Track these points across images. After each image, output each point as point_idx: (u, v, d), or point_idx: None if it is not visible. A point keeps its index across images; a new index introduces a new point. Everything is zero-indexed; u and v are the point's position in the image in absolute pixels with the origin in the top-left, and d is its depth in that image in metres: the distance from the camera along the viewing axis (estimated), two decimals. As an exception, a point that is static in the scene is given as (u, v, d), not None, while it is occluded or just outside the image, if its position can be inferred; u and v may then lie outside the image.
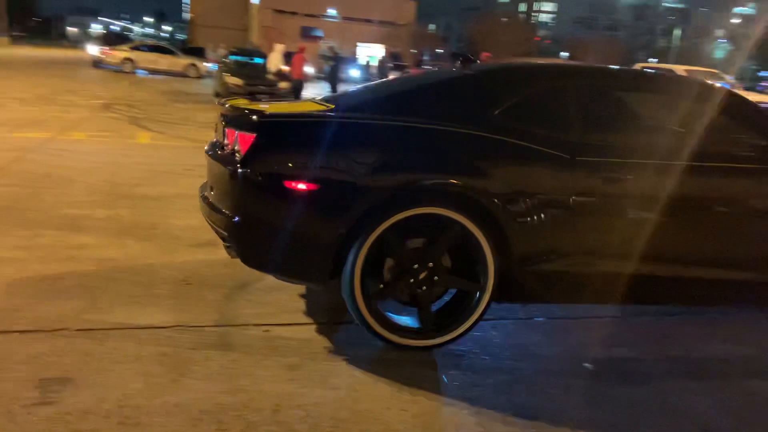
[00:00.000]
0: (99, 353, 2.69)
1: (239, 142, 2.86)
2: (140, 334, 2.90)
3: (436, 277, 2.90)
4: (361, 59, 45.31)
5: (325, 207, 2.77)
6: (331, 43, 27.09)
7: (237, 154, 2.85)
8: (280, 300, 3.45)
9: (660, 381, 2.91)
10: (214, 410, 2.33)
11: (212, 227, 3.13)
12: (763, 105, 4.33)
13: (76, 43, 60.13)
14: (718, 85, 3.83)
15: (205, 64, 27.39)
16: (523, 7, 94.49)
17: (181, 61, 27.10)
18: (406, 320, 3.00)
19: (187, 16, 59.40)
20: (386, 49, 44.43)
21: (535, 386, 2.75)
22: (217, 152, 3.14)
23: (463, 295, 3.00)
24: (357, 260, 2.78)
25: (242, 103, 3.45)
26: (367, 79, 37.28)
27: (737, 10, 68.84)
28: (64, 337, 2.81)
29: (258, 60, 17.52)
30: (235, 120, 3.05)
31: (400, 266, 2.88)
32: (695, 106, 3.26)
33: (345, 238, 2.76)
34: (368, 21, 49.53)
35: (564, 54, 56.15)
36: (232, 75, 15.78)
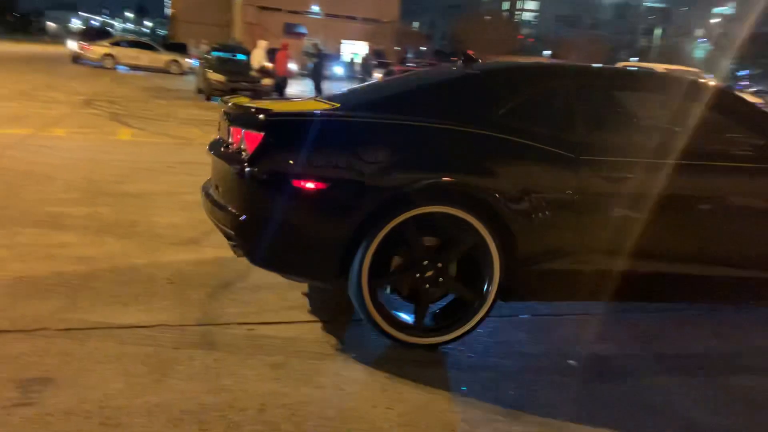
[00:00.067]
0: (80, 353, 2.64)
1: (246, 140, 2.85)
2: (122, 334, 2.86)
3: (440, 279, 2.90)
4: (345, 56, 45.24)
5: (333, 205, 2.78)
6: (315, 40, 26.99)
7: (243, 153, 2.84)
8: (265, 299, 3.43)
9: (644, 377, 2.93)
10: (196, 410, 2.30)
11: (217, 225, 3.12)
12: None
13: (56, 38, 59.31)
14: (721, 85, 3.87)
15: (187, 60, 27.17)
16: (506, 5, 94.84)
17: (162, 57, 26.85)
18: (413, 318, 3.00)
19: (168, 11, 58.85)
20: (370, 46, 44.39)
21: (520, 384, 2.75)
22: (222, 150, 3.14)
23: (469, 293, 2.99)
24: (365, 258, 2.78)
25: (246, 101, 3.45)
26: (351, 77, 37.24)
27: (717, 10, 69.67)
28: (44, 337, 2.76)
29: (241, 56, 17.42)
30: (240, 118, 3.05)
31: (408, 260, 2.88)
32: (697, 106, 3.30)
33: (353, 236, 2.75)
34: (352, 18, 49.35)
35: (547, 52, 56.45)
36: (215, 71, 15.66)
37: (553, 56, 47.58)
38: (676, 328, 3.59)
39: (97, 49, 25.72)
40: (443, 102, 3.14)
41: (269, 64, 16.30)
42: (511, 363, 2.96)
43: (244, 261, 3.94)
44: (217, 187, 3.17)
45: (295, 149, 2.79)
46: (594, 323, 3.54)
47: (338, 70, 38.54)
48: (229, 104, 3.31)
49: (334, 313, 3.33)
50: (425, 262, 2.87)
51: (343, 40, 48.97)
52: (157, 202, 5.32)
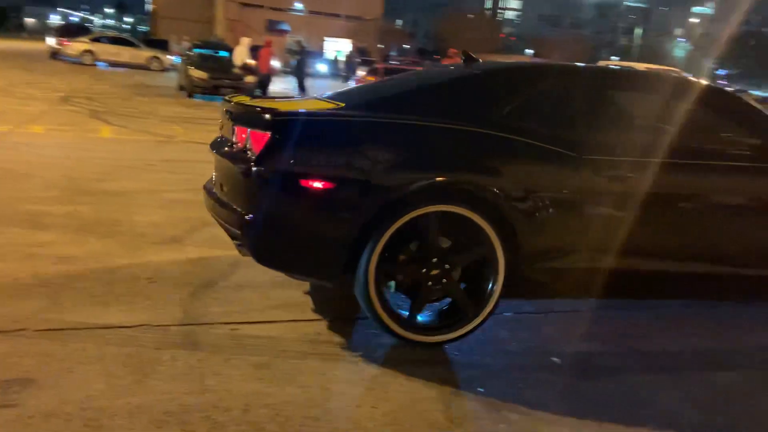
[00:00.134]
0: (61, 354, 2.60)
1: (252, 140, 2.85)
2: (103, 334, 2.82)
3: (444, 280, 2.91)
4: (328, 54, 45.11)
5: (340, 205, 2.79)
6: (298, 37, 26.89)
7: (249, 152, 2.84)
8: (248, 298, 3.41)
9: (627, 374, 2.96)
10: (179, 411, 2.28)
11: (221, 224, 3.12)
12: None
13: (35, 34, 58.41)
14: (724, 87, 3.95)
15: (168, 56, 26.90)
16: (489, 3, 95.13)
17: (143, 54, 26.55)
18: (418, 317, 3.00)
19: (149, 7, 58.23)
20: (354, 44, 44.30)
21: (505, 382, 2.76)
22: (227, 150, 3.14)
23: (474, 291, 3.01)
24: (372, 257, 2.79)
25: (248, 100, 3.45)
26: (335, 74, 37.15)
27: (696, 9, 70.55)
28: (24, 338, 2.72)
29: (223, 53, 17.29)
30: (245, 118, 3.05)
31: (415, 256, 2.90)
32: (698, 106, 3.36)
33: (360, 235, 2.76)
34: (335, 15, 49.26)
35: (529, 51, 56.75)
36: (197, 68, 15.54)
37: (535, 55, 47.85)
38: (660, 326, 3.64)
39: (77, 46, 25.34)
40: (447, 101, 3.17)
41: (252, 62, 16.20)
42: (495, 361, 2.98)
43: (226, 260, 3.94)
44: (221, 186, 3.17)
45: (303, 149, 2.81)
46: (577, 321, 3.56)
47: (322, 67, 38.44)
48: (232, 103, 3.31)
49: (318, 313, 3.32)
50: (432, 260, 2.88)
51: (326, 38, 48.86)
52: (139, 201, 5.27)
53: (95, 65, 24.81)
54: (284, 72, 25.89)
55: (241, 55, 16.30)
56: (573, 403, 2.63)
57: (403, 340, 2.93)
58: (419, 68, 20.47)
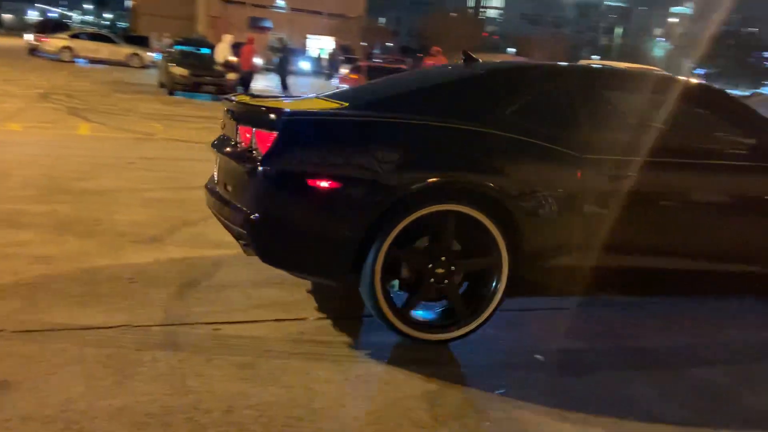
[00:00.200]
0: (39, 356, 2.56)
1: (257, 139, 2.85)
2: (83, 335, 2.78)
3: (446, 281, 2.93)
4: (311, 51, 44.95)
5: (347, 204, 2.80)
6: (281, 34, 26.75)
7: (255, 152, 2.84)
8: (231, 297, 3.38)
9: (608, 371, 2.98)
10: (161, 413, 2.25)
11: (225, 224, 3.12)
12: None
13: (12, 30, 57.45)
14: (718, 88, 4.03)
15: (148, 53, 26.63)
16: (471, 2, 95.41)
17: (122, 50, 26.27)
18: (423, 315, 3.02)
19: (129, 3, 57.55)
20: (337, 41, 44.21)
21: (489, 379, 2.77)
22: (230, 149, 3.13)
23: (478, 289, 3.03)
24: (378, 256, 2.79)
25: (251, 100, 3.45)
26: (318, 72, 37.01)
27: (675, 9, 71.37)
28: (1, 339, 2.66)
29: (204, 50, 17.15)
30: (250, 117, 3.06)
31: (421, 252, 2.92)
32: (698, 107, 3.47)
33: (366, 234, 2.77)
34: (318, 13, 49.09)
35: (511, 50, 57.01)
36: (178, 65, 15.39)
37: (518, 54, 48.10)
38: (641, 323, 3.66)
39: (55, 42, 25.00)
40: (451, 101, 3.19)
41: (234, 59, 16.09)
42: (480, 359, 2.98)
43: (208, 259, 3.91)
44: (225, 186, 3.16)
45: (310, 148, 2.83)
46: (560, 318, 3.58)
47: (305, 65, 38.30)
48: (234, 102, 3.31)
49: (301, 312, 3.30)
50: (436, 259, 2.90)
51: (308, 35, 48.68)
52: (119, 199, 5.20)
53: (74, 62, 24.50)
54: (267, 69, 25.75)
55: (222, 52, 16.19)
56: (556, 400, 2.63)
57: (408, 338, 2.94)
58: (403, 66, 20.53)
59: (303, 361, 2.75)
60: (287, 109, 3.00)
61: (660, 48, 63.06)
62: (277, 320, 3.15)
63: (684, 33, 53.09)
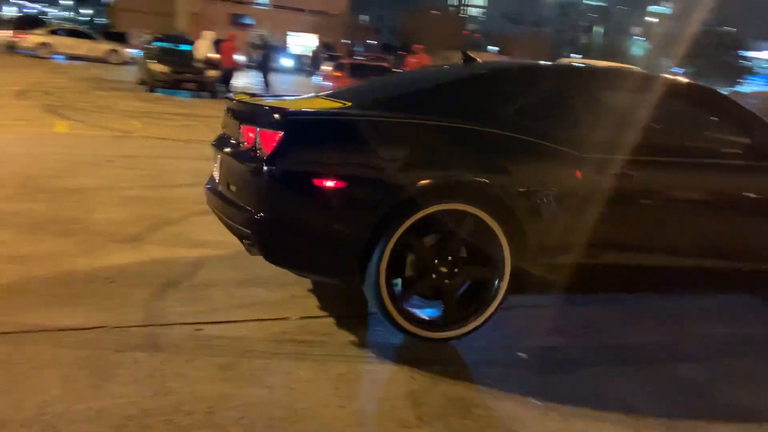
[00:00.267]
0: (15, 358, 2.51)
1: (261, 139, 2.83)
2: (60, 337, 2.73)
3: (447, 281, 2.94)
4: (293, 48, 44.74)
5: (353, 204, 2.81)
6: (262, 31, 26.58)
7: (259, 152, 2.83)
8: (213, 297, 3.34)
9: (589, 368, 3.00)
10: (140, 415, 2.21)
11: (227, 224, 3.10)
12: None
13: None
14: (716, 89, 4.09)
15: (127, 50, 26.34)
16: (453, 0, 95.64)
17: (101, 47, 25.96)
18: (428, 313, 3.02)
19: (108, -1, 56.87)
20: (320, 39, 44.06)
21: (472, 377, 2.77)
22: (233, 149, 3.13)
23: (481, 287, 3.03)
24: (383, 255, 2.79)
25: (252, 99, 3.43)
26: (300, 69, 36.85)
27: (653, 8, 72.17)
28: (-26, 342, 2.61)
29: (185, 47, 16.97)
30: (253, 117, 3.05)
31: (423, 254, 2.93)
32: (698, 108, 3.54)
33: (372, 233, 2.77)
34: (300, 10, 48.90)
35: (493, 48, 57.28)
36: (158, 62, 15.23)
37: (500, 52, 48.32)
38: (622, 319, 3.69)
39: (32, 38, 24.64)
40: (454, 101, 3.20)
41: (215, 56, 15.95)
42: (463, 357, 2.98)
43: (188, 259, 3.86)
44: (228, 186, 3.14)
45: (316, 148, 2.84)
46: (541, 316, 3.60)
47: (287, 62, 38.11)
48: (235, 102, 3.30)
49: (284, 312, 3.27)
50: (439, 258, 2.92)
51: (290, 32, 48.47)
52: (97, 198, 5.12)
53: (52, 58, 24.15)
54: (248, 66, 25.59)
55: (203, 49, 16.04)
56: (538, 397, 2.64)
57: (412, 336, 2.95)
58: (385, 64, 20.51)
59: (285, 361, 2.73)
60: (292, 109, 2.99)
61: (639, 47, 63.71)
62: (259, 320, 3.12)
63: (662, 32, 53.68)
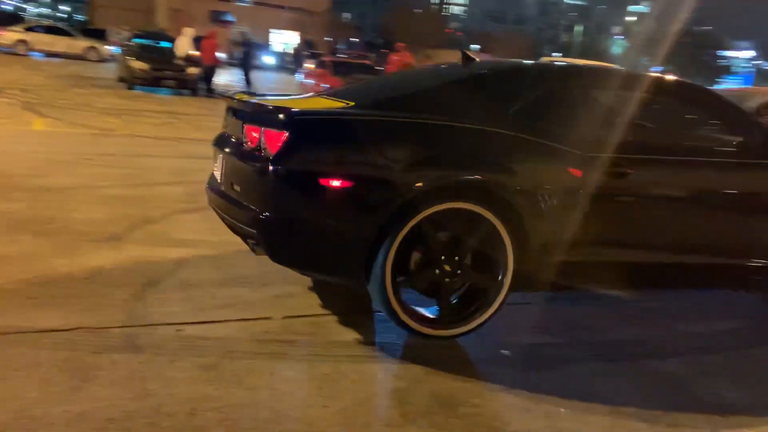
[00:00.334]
0: (-10, 361, 2.46)
1: (266, 139, 2.82)
2: (38, 339, 2.68)
3: (447, 280, 2.95)
4: (275, 46, 44.52)
5: (359, 203, 2.81)
6: (243, 28, 26.39)
7: (264, 151, 2.81)
8: (195, 297, 3.30)
9: (574, 364, 3.01)
10: (121, 418, 2.17)
11: (231, 224, 3.08)
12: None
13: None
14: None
15: (106, 47, 26.03)
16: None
17: (79, 44, 25.61)
18: (431, 311, 3.02)
19: (86, -5, 56.07)
20: (302, 36, 43.89)
21: (456, 375, 2.76)
22: (237, 148, 3.10)
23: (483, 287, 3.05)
24: (389, 254, 2.80)
25: (253, 98, 3.40)
26: (282, 67, 36.68)
27: (632, 8, 72.89)
28: (-51, 345, 2.56)
29: (165, 44, 16.80)
30: (257, 117, 3.03)
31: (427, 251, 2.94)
32: (697, 108, 3.59)
33: (378, 233, 2.77)
34: (281, 7, 48.64)
35: (475, 46, 57.46)
36: (138, 59, 15.06)
37: (482, 50, 48.49)
38: (604, 317, 3.72)
39: (9, 35, 24.22)
40: (456, 101, 3.19)
41: (196, 53, 15.80)
42: (447, 355, 2.97)
43: (169, 258, 3.82)
44: (232, 185, 3.11)
45: (321, 148, 2.83)
46: (525, 313, 3.61)
47: (269, 60, 37.92)
48: (237, 101, 3.28)
49: (266, 311, 3.24)
50: (441, 258, 2.92)
51: (271, 30, 48.23)
52: (75, 197, 5.05)
53: (29, 55, 23.78)
54: (229, 64, 25.40)
55: (183, 46, 15.89)
56: (523, 394, 2.65)
57: (418, 334, 2.96)
58: (367, 62, 20.46)
59: (268, 361, 2.70)
60: (297, 109, 2.98)
61: (618, 46, 64.32)
62: (241, 320, 3.09)
63: (641, 31, 54.20)
